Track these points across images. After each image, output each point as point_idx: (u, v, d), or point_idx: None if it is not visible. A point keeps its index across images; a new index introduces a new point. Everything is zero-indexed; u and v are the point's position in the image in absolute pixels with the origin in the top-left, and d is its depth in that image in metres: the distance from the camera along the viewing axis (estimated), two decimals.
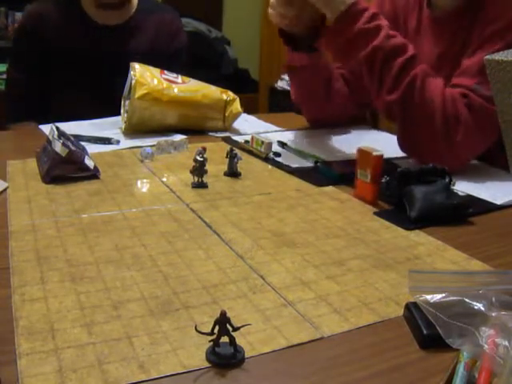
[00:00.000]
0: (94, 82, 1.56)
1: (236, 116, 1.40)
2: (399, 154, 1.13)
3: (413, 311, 0.56)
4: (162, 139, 1.20)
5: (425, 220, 0.82)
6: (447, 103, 1.00)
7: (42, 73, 1.56)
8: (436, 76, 1.04)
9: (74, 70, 1.55)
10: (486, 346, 0.47)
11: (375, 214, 0.87)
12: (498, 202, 0.92)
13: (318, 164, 1.10)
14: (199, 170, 0.97)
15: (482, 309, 0.52)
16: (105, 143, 1.23)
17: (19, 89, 1.59)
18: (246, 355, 0.51)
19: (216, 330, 0.50)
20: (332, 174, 1.03)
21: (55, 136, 1.01)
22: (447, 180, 0.87)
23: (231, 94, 1.40)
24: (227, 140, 1.30)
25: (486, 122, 0.98)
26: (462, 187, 0.95)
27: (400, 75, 1.00)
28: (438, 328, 0.52)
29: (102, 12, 1.57)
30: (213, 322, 0.50)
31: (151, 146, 1.16)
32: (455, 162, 1.01)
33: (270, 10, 1.13)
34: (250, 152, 1.18)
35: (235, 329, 0.50)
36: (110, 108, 1.41)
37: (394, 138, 1.14)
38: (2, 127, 1.51)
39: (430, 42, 1.17)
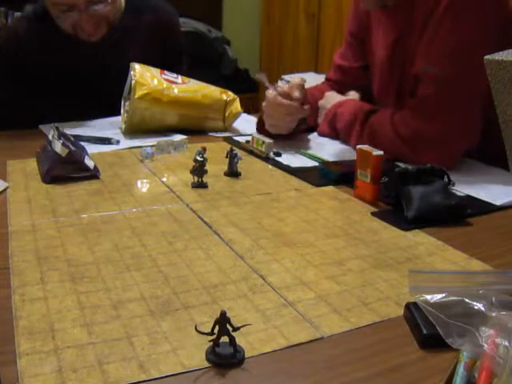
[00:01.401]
0: (88, 97, 1.47)
1: (236, 116, 1.40)
2: None
3: (413, 311, 0.56)
4: (162, 139, 1.20)
5: (422, 220, 0.82)
6: (401, 131, 1.09)
7: (28, 84, 1.46)
8: (385, 112, 1.16)
9: (64, 88, 1.46)
10: (485, 345, 0.47)
11: (373, 214, 0.87)
12: (498, 202, 0.91)
13: (319, 164, 1.10)
14: (199, 170, 0.97)
15: (482, 309, 0.52)
16: (105, 143, 1.23)
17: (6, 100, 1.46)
18: (246, 355, 0.51)
19: (216, 330, 0.50)
20: (332, 174, 1.03)
21: (55, 136, 1.01)
22: (446, 180, 0.87)
23: (231, 94, 1.40)
24: (228, 140, 1.30)
25: (447, 96, 1.05)
26: (462, 188, 0.95)
27: (361, 130, 1.18)
28: (438, 328, 0.52)
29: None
30: (213, 322, 0.50)
31: (151, 145, 1.16)
32: (450, 153, 1.07)
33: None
34: (251, 152, 1.19)
35: (235, 329, 0.50)
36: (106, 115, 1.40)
37: None
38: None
39: (385, 33, 1.20)
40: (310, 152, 1.18)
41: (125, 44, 1.48)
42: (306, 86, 1.25)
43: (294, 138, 1.28)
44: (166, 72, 1.35)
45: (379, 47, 1.22)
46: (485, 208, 0.90)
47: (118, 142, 1.24)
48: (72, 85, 1.47)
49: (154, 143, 1.17)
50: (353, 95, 1.33)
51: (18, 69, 1.45)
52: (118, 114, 1.38)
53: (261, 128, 1.29)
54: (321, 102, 1.35)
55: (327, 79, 1.43)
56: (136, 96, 1.27)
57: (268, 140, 1.15)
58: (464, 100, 1.05)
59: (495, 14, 1.02)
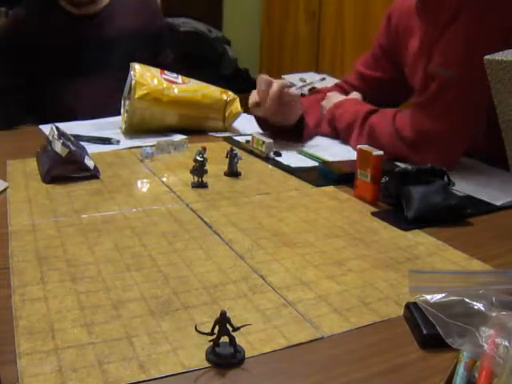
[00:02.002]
0: (84, 73, 1.57)
1: (236, 116, 1.40)
2: None
3: (413, 311, 0.56)
4: (162, 139, 1.20)
5: (422, 220, 0.82)
6: (402, 129, 1.10)
7: (28, 72, 1.56)
8: (385, 112, 1.17)
9: (62, 65, 1.56)
10: (485, 345, 0.47)
11: (373, 214, 0.87)
12: (498, 202, 0.91)
13: (319, 164, 1.10)
14: (199, 170, 0.97)
15: (482, 309, 0.52)
16: (105, 143, 1.23)
17: (7, 92, 1.56)
18: (246, 355, 0.51)
19: (216, 330, 0.50)
20: (332, 174, 1.03)
21: (55, 136, 1.01)
22: (446, 180, 0.87)
23: (231, 94, 1.40)
24: (228, 140, 1.30)
25: (456, 97, 1.05)
26: (462, 188, 0.95)
27: (361, 131, 1.19)
28: (438, 328, 0.52)
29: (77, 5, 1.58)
30: (213, 322, 0.50)
31: (151, 145, 1.16)
32: (451, 154, 1.06)
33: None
34: (251, 152, 1.19)
35: (235, 329, 0.50)
36: (105, 96, 1.43)
37: None
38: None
39: (416, 37, 1.21)
40: (310, 152, 1.18)
41: (116, 21, 1.62)
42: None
43: (297, 138, 1.29)
44: (166, 72, 1.35)
45: (414, 46, 1.22)
46: (485, 208, 0.90)
47: (118, 141, 1.24)
48: (70, 68, 1.56)
49: (154, 143, 1.17)
50: (355, 95, 1.34)
51: (18, 54, 1.55)
52: (111, 102, 1.38)
53: (264, 126, 1.30)
54: (323, 103, 1.36)
55: (345, 81, 1.44)
56: (136, 96, 1.27)
57: (268, 140, 1.15)
58: (471, 103, 1.05)
59: (503, 18, 1.02)
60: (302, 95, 1.31)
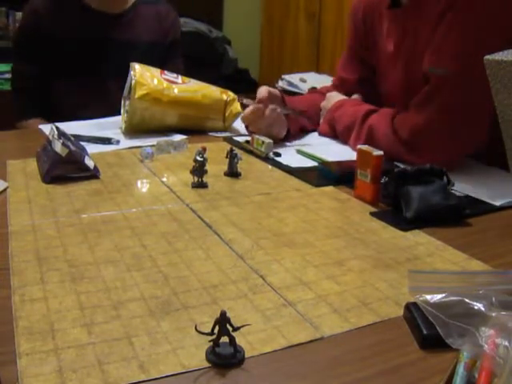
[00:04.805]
0: (97, 72, 1.58)
1: (236, 116, 1.40)
2: None
3: (413, 311, 0.56)
4: (162, 139, 1.20)
5: (421, 221, 0.82)
6: (399, 130, 1.09)
7: (45, 64, 1.57)
8: (384, 112, 1.16)
9: (76, 60, 1.57)
10: (485, 346, 0.47)
11: (372, 214, 0.87)
12: (497, 203, 0.91)
13: (319, 164, 1.10)
14: (199, 170, 0.97)
15: (482, 309, 0.52)
16: (105, 143, 1.23)
17: (24, 81, 1.61)
18: (246, 355, 0.51)
19: (216, 330, 0.50)
20: (332, 174, 1.03)
21: (55, 136, 1.01)
22: (445, 180, 0.87)
23: (231, 94, 1.40)
24: (228, 140, 1.30)
25: (451, 96, 1.05)
26: (462, 188, 0.95)
27: (360, 131, 1.18)
28: (437, 328, 0.52)
29: (102, 2, 1.59)
30: (213, 322, 0.50)
31: (151, 145, 1.16)
32: (449, 154, 1.05)
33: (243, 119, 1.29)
34: (251, 152, 1.19)
35: (235, 329, 0.50)
36: (113, 98, 1.42)
37: None
38: (6, 126, 1.51)
39: (392, 32, 1.21)
40: (309, 152, 1.18)
41: (134, 27, 1.64)
42: (307, 85, 1.26)
43: (294, 138, 1.29)
44: (166, 72, 1.35)
45: (387, 47, 1.22)
46: (485, 208, 0.90)
47: (118, 141, 1.24)
48: (81, 64, 1.57)
49: (154, 143, 1.17)
50: (355, 96, 1.34)
51: (37, 47, 1.56)
52: (120, 103, 1.38)
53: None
54: (323, 104, 1.36)
55: (333, 83, 1.44)
56: (136, 96, 1.27)
57: (268, 140, 1.15)
58: (468, 102, 1.04)
59: (506, 19, 1.02)
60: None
